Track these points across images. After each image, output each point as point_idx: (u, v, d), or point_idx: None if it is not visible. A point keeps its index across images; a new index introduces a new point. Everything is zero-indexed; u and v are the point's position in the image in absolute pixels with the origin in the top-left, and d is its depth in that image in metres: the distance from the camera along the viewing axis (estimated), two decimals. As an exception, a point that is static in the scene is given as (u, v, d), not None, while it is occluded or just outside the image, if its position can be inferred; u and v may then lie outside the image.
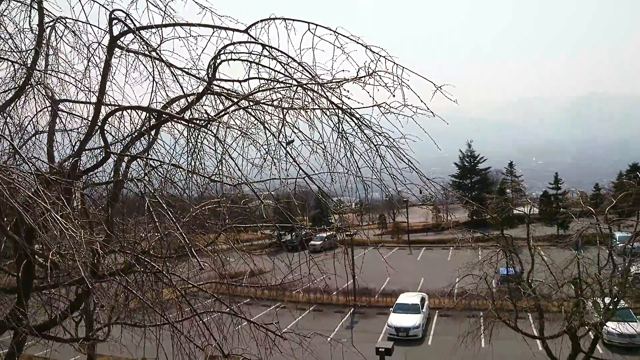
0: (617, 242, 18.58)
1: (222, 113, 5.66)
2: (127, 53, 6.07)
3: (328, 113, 5.72)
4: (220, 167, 5.15)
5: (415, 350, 25.87)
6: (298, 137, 5.81)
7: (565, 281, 14.40)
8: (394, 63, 5.43)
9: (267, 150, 5.56)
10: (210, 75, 5.70)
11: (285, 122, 5.47)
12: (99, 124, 5.71)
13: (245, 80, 5.75)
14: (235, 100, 5.52)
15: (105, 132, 6.03)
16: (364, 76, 5.25)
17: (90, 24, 6.20)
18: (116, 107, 5.60)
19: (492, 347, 18.83)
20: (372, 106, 5.57)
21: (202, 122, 5.38)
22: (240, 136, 5.76)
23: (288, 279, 7.31)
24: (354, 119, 5.55)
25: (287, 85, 5.56)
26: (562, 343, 14.54)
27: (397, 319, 27.90)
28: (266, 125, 5.55)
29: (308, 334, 7.13)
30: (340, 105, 5.48)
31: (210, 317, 6.50)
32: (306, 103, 5.53)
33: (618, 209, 15.83)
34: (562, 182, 62.23)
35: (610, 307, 13.68)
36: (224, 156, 5.18)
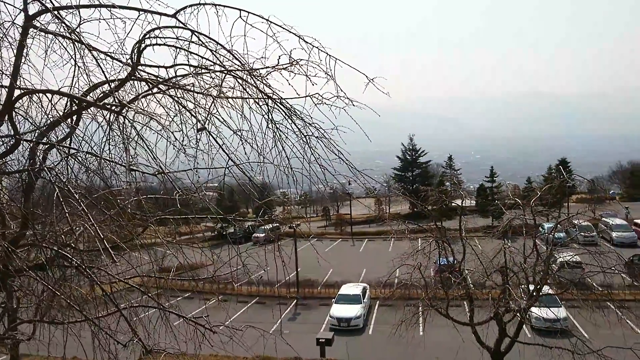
0: (545, 232, 19.74)
1: (139, 97, 5.42)
2: (46, 34, 5.69)
3: (260, 103, 5.63)
4: (127, 155, 4.94)
5: (356, 339, 26.37)
6: (228, 126, 5.68)
7: (493, 270, 15.16)
8: (327, 54, 5.41)
9: (183, 138, 5.40)
10: (134, 60, 5.45)
11: (209, 111, 5.32)
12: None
13: (171, 67, 5.53)
14: (156, 84, 5.31)
15: (20, 117, 5.64)
16: (288, 64, 5.20)
17: (4, 2, 5.75)
18: (26, 90, 5.23)
19: (426, 335, 19.56)
20: (305, 97, 5.52)
21: (117, 107, 5.13)
22: (167, 123, 5.56)
23: (221, 271, 7.16)
24: (284, 108, 5.49)
25: (215, 71, 5.41)
26: (489, 329, 15.31)
27: (339, 310, 28.35)
28: (192, 112, 5.39)
29: (241, 326, 7.03)
30: (270, 95, 5.40)
31: (137, 313, 6.28)
32: (235, 89, 5.41)
33: (543, 201, 16.81)
34: (497, 175, 65.42)
35: (534, 293, 14.53)
36: (138, 142, 4.97)
